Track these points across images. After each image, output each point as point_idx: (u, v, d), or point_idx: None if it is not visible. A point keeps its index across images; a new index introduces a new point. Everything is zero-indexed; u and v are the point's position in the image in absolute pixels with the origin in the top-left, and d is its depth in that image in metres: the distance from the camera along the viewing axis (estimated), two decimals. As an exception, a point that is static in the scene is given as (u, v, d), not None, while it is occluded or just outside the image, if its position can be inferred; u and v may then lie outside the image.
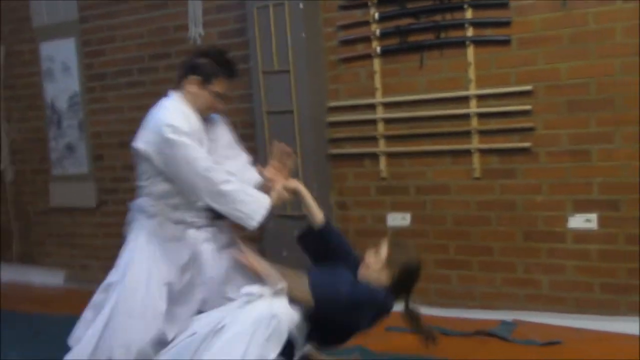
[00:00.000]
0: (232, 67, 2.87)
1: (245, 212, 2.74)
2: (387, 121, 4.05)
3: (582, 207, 3.57)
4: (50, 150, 5.41)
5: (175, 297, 2.79)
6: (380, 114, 4.05)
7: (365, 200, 4.19)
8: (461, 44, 3.76)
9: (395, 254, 2.68)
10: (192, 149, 2.70)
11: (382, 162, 4.08)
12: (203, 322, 2.62)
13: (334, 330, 2.62)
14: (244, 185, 2.80)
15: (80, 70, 5.16)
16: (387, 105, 4.04)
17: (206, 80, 2.80)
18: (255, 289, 2.63)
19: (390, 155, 4.07)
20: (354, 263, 2.78)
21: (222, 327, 2.50)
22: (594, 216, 3.55)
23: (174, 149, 2.68)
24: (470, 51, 3.74)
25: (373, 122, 4.08)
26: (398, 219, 4.09)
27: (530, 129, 3.64)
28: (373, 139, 4.09)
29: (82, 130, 5.22)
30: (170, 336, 2.71)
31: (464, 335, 3.56)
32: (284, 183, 2.88)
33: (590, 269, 3.58)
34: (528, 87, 3.61)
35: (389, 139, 4.06)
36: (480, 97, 3.76)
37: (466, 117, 3.80)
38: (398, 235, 2.81)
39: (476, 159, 3.81)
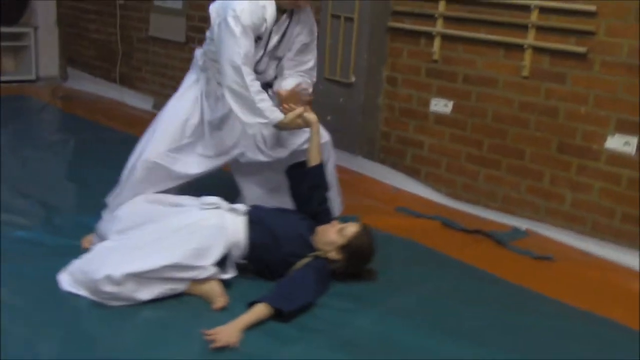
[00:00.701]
0: None
1: (245, 120, 2.84)
2: (449, 1, 3.83)
3: (625, 128, 3.26)
4: (153, -19, 5.68)
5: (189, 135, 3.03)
6: (445, -9, 3.83)
7: (414, 80, 4.08)
8: None
9: (356, 243, 2.69)
10: (238, 41, 2.75)
11: (436, 44, 3.91)
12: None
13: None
14: (261, 96, 2.83)
15: None
16: (453, -16, 3.81)
17: None
18: (214, 199, 2.76)
19: (445, 38, 3.89)
20: (322, 217, 2.86)
21: (176, 217, 2.66)
22: (634, 140, 3.24)
23: (225, 31, 2.77)
24: None
25: (435, -1, 3.87)
26: (440, 105, 3.97)
27: (590, 33, 3.30)
28: (432, 18, 3.90)
29: (182, -35, 5.41)
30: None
31: (464, 231, 3.52)
32: (304, 111, 2.93)
33: (617, 195, 3.32)
34: (597, -14, 3.24)
35: (448, 19, 3.86)
36: (547, -11, 3.44)
37: (527, 8, 3.50)
38: (368, 227, 2.79)
39: (528, 56, 3.54)
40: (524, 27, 3.52)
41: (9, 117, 5.16)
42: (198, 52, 3.11)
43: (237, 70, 2.77)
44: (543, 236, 3.53)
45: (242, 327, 2.30)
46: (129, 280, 2.36)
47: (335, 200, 3.28)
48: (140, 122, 5.45)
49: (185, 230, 2.56)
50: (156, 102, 5.87)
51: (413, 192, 4.08)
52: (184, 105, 3.06)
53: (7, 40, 6.49)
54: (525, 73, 3.57)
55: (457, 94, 3.89)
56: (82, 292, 2.42)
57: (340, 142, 4.30)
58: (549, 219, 3.59)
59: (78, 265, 2.51)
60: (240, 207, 2.76)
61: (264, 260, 2.68)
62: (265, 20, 2.83)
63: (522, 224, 3.62)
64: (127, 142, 4.75)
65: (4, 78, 6.48)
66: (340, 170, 4.29)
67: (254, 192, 3.29)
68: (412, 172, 4.17)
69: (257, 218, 2.72)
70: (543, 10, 3.45)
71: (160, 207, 2.77)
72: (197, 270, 2.49)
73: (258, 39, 2.88)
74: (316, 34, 3.13)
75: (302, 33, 3.05)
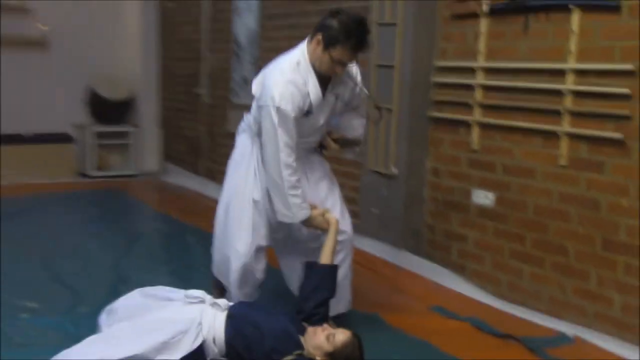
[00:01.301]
0: (358, 39, 2.73)
1: (279, 210, 2.87)
2: (485, 88, 3.67)
3: (672, 222, 2.88)
4: (231, 80, 5.98)
5: (261, 213, 3.01)
6: (479, 79, 3.68)
7: (456, 170, 3.89)
8: (567, 7, 3.19)
9: (344, 352, 2.53)
10: (277, 132, 2.75)
11: (475, 133, 3.73)
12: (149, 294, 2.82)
13: None
14: (294, 192, 2.84)
15: (260, 8, 5.54)
16: (488, 71, 3.65)
17: (329, 44, 2.72)
18: (198, 293, 2.72)
19: (483, 126, 3.70)
20: (316, 319, 2.73)
21: (158, 308, 2.66)
22: (683, 236, 2.84)
23: (265, 118, 2.78)
24: (575, 17, 3.17)
25: (471, 87, 3.72)
26: (482, 197, 3.73)
27: (625, 118, 3.00)
28: (469, 106, 3.74)
29: (255, 65, 5.66)
30: (264, 243, 3.05)
31: (495, 335, 3.20)
32: (327, 213, 2.95)
33: (668, 300, 2.90)
34: (629, 67, 2.96)
35: (485, 108, 3.68)
36: (578, 73, 3.19)
37: (560, 93, 3.26)
38: (358, 337, 2.60)
39: (564, 144, 3.27)
40: (558, 113, 3.28)
41: (88, 208, 5.55)
42: (250, 118, 3.08)
43: (276, 160, 2.78)
44: (591, 344, 3.13)
45: None
46: None
47: (344, 297, 3.13)
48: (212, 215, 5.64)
49: (158, 324, 2.54)
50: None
51: (457, 290, 3.80)
52: (247, 185, 3.03)
53: (113, 138, 7.08)
54: (562, 162, 3.29)
55: (498, 185, 3.64)
56: (54, 382, 2.45)
57: (384, 235, 4.17)
58: (597, 324, 3.19)
59: (60, 354, 2.56)
60: (223, 302, 2.71)
61: (245, 357, 2.58)
62: (308, 95, 2.78)
63: (569, 328, 3.24)
64: (188, 235, 4.93)
65: (109, 173, 7.02)
66: (382, 263, 4.14)
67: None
68: (457, 268, 3.91)
69: (239, 313, 2.64)
70: (577, 94, 3.20)
71: (150, 301, 2.77)
72: None
73: (307, 113, 2.83)
74: (359, 88, 3.05)
75: (345, 95, 2.99)
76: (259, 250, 3.07)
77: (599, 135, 3.11)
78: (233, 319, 2.61)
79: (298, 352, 2.56)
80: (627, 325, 3.07)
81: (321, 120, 2.94)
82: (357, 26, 2.73)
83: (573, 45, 3.18)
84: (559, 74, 3.26)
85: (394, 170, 4.08)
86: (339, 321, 3.00)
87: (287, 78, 2.76)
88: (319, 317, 2.78)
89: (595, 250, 3.18)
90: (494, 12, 3.56)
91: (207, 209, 5.74)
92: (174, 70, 7.01)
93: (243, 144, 3.14)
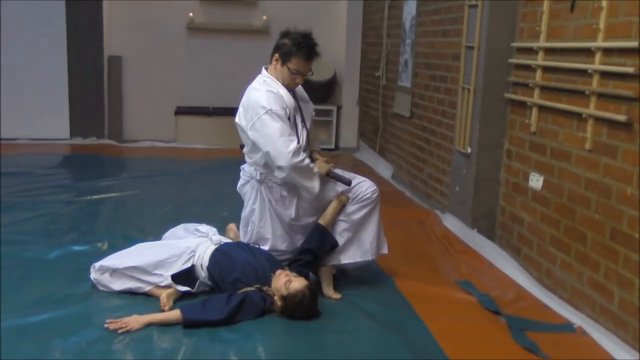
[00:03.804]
0: (307, 50, 3.16)
1: (305, 186, 3.18)
2: (543, 69, 3.57)
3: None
4: (398, 63, 6.36)
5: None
6: (539, 60, 3.59)
7: (521, 153, 3.84)
8: (601, -18, 3.02)
9: (294, 299, 2.94)
10: (280, 127, 3.08)
11: (534, 115, 3.65)
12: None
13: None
14: (308, 162, 3.16)
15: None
16: (546, 52, 3.55)
17: (285, 59, 3.20)
18: (205, 228, 3.40)
19: (540, 108, 3.61)
20: (296, 266, 3.16)
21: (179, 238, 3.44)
22: (669, 230, 2.58)
23: (265, 126, 3.10)
24: (605, -8, 3.00)
25: (531, 68, 3.65)
26: (535, 181, 3.66)
27: (630, 99, 2.78)
28: (532, 88, 3.67)
29: (412, 49, 5.97)
30: None
31: (491, 311, 3.23)
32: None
33: (652, 298, 2.66)
34: (633, 44, 2.74)
35: (542, 89, 3.59)
36: (605, 51, 3.01)
37: (587, 74, 3.10)
38: (313, 288, 2.96)
39: (590, 127, 3.11)
40: (587, 95, 3.12)
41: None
42: (250, 168, 3.36)
43: (282, 150, 3.08)
44: (588, 337, 2.98)
45: (147, 322, 2.85)
46: (105, 271, 3.16)
47: (363, 246, 3.37)
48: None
49: (163, 247, 3.26)
50: (394, 172, 6.45)
51: (507, 273, 3.77)
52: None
53: (316, 115, 7.95)
54: (587, 146, 3.13)
55: (546, 169, 3.55)
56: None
57: (462, 212, 4.30)
58: (601, 318, 3.01)
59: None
60: (218, 239, 3.29)
61: (218, 283, 3.15)
62: (285, 101, 3.20)
63: (580, 320, 3.10)
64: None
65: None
66: (454, 239, 4.24)
67: None
68: (515, 252, 3.87)
69: (223, 249, 3.21)
70: (603, 75, 3.02)
71: (183, 233, 3.50)
72: (155, 276, 3.13)
73: (288, 118, 3.20)
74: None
75: (309, 103, 3.47)
76: None
77: (613, 118, 2.92)
78: (217, 252, 3.19)
79: (257, 286, 3.04)
80: (622, 323, 2.86)
81: (304, 121, 3.31)
82: (305, 39, 3.16)
83: (602, 22, 3.01)
84: (591, 53, 3.10)
85: (469, 149, 4.16)
86: (357, 270, 3.46)
87: (264, 89, 3.18)
88: (300, 263, 3.21)
89: (605, 240, 3.00)
90: (554, -10, 3.47)
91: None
92: (367, 54, 7.61)
93: (251, 199, 3.39)
